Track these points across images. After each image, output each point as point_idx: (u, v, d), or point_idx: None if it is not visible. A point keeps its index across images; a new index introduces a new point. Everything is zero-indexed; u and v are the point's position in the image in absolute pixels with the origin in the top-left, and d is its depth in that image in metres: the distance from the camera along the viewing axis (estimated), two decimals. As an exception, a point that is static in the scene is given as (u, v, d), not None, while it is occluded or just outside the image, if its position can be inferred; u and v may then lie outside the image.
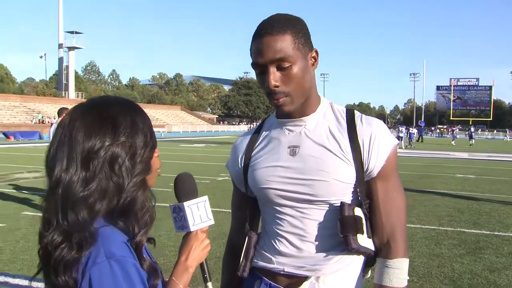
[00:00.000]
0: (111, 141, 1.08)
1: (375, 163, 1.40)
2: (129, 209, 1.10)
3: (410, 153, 26.59)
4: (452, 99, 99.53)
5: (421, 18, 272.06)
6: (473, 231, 6.95)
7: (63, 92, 76.13)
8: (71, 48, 77.42)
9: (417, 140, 40.94)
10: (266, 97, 1.45)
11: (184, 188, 1.32)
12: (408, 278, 1.42)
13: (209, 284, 1.32)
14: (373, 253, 1.44)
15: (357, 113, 1.49)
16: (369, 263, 1.49)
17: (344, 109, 1.52)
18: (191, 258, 1.25)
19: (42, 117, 51.87)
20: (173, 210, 1.31)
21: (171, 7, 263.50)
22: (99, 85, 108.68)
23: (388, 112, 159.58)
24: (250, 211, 1.60)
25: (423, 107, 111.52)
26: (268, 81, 1.35)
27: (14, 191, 10.10)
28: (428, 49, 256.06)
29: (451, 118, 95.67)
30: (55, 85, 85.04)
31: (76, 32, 78.65)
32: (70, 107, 1.20)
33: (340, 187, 1.39)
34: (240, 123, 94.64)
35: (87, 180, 1.04)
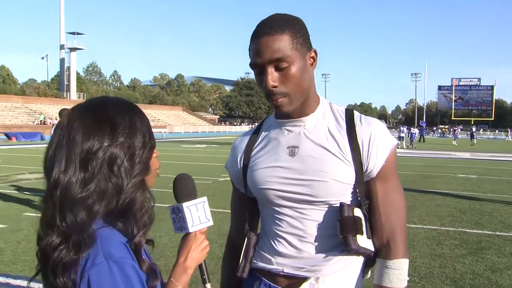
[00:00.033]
0: (110, 142, 1.07)
1: (374, 164, 1.40)
2: (128, 210, 1.09)
3: (411, 153, 26.57)
4: (453, 99, 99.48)
5: (422, 18, 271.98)
6: (475, 231, 6.94)
7: (65, 93, 76.23)
8: (72, 49, 77.53)
9: (419, 140, 40.88)
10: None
11: (183, 189, 1.32)
12: (408, 278, 1.41)
13: (208, 285, 1.32)
14: (373, 253, 1.43)
15: (356, 113, 1.49)
16: (368, 263, 1.48)
17: (344, 109, 1.51)
18: (190, 259, 1.25)
19: (44, 118, 51.94)
20: (172, 211, 1.30)
21: (173, 8, 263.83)
22: (100, 86, 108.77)
23: (389, 112, 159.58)
24: (250, 212, 1.60)
25: (425, 107, 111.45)
26: (266, 81, 1.35)
27: (16, 192, 10.11)
28: (430, 49, 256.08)
29: (452, 118, 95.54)
30: (56, 86, 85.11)
31: (78, 33, 78.80)
32: (71, 108, 1.20)
33: (340, 187, 1.39)
34: (242, 124, 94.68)
35: (86, 181, 1.04)
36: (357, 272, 1.44)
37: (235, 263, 1.56)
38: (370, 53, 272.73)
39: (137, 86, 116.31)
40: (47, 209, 1.05)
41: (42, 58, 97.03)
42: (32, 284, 1.18)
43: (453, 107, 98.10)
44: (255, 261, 1.53)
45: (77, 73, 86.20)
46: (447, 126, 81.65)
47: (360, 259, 1.44)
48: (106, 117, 1.10)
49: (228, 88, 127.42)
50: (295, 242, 1.43)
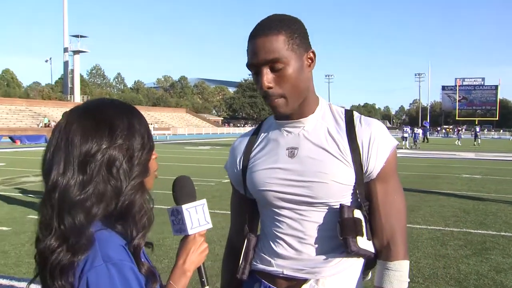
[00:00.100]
0: (108, 144, 1.07)
1: (374, 165, 1.39)
2: (127, 212, 1.09)
3: (415, 153, 26.50)
4: (457, 99, 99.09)
5: (425, 18, 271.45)
6: (479, 231, 6.91)
7: (69, 96, 76.42)
8: (76, 52, 77.69)
9: (423, 141, 40.79)
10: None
11: (183, 191, 1.31)
12: (408, 280, 1.41)
13: None
14: (373, 255, 1.43)
15: (356, 114, 1.48)
16: (369, 265, 1.47)
17: (343, 110, 1.50)
18: (188, 262, 1.24)
19: (48, 121, 52.07)
20: (171, 213, 1.30)
21: (176, 10, 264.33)
22: (104, 89, 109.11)
23: (393, 112, 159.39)
24: (249, 213, 1.59)
25: (429, 108, 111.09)
26: (261, 82, 1.34)
27: (20, 194, 10.14)
28: (433, 49, 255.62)
29: (456, 118, 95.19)
30: (60, 89, 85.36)
31: (81, 36, 78.98)
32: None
33: (339, 189, 1.38)
34: (245, 125, 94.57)
35: (84, 183, 1.04)
36: (357, 274, 1.43)
37: (235, 264, 1.55)
38: (374, 53, 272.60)
39: (141, 88, 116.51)
40: (45, 211, 1.04)
41: (46, 61, 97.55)
42: (32, 286, 1.17)
43: (457, 107, 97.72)
44: (254, 263, 1.52)
45: (81, 76, 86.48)
46: (451, 126, 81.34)
47: (360, 261, 1.44)
48: (105, 119, 1.10)
49: (231, 89, 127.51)
50: (295, 243, 1.42)
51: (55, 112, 56.43)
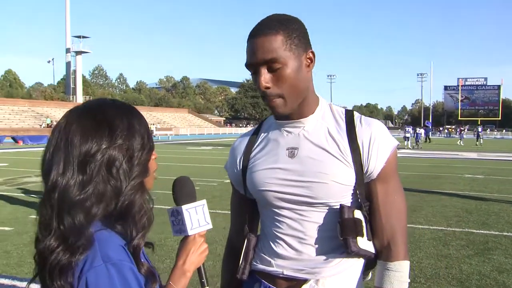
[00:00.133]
0: (108, 144, 1.07)
1: (374, 165, 1.39)
2: (127, 213, 1.09)
3: (417, 153, 26.47)
4: (460, 99, 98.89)
5: (428, 18, 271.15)
6: (482, 231, 6.89)
7: (71, 96, 76.48)
8: (78, 53, 77.73)
9: (425, 141, 40.72)
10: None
11: (183, 191, 1.31)
12: (409, 280, 1.40)
13: None
14: (373, 255, 1.42)
15: (356, 114, 1.48)
16: (369, 265, 1.47)
17: (343, 110, 1.50)
18: (188, 262, 1.24)
19: (51, 121, 52.12)
20: (171, 213, 1.30)
21: (178, 10, 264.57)
22: (106, 89, 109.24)
23: (395, 112, 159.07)
24: (249, 213, 1.59)
25: (431, 108, 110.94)
26: (259, 82, 1.34)
27: (23, 195, 10.16)
28: (436, 49, 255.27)
29: (459, 118, 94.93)
30: (63, 90, 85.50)
31: (83, 37, 79.02)
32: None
33: (339, 189, 1.38)
34: (247, 126, 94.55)
35: (84, 183, 1.04)
36: (358, 274, 1.43)
37: (235, 265, 1.55)
38: (376, 53, 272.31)
39: (143, 89, 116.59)
40: (44, 212, 1.04)
41: (48, 61, 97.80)
42: (32, 286, 1.17)
43: (459, 107, 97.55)
44: (254, 263, 1.52)
45: (83, 76, 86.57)
46: (453, 126, 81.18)
47: (361, 261, 1.43)
48: (104, 119, 1.10)
49: (233, 90, 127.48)
50: (295, 244, 1.42)
51: (57, 113, 56.51)
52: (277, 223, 1.46)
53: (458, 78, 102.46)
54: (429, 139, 43.57)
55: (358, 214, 1.37)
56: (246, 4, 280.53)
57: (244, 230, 1.58)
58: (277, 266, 1.45)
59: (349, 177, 1.38)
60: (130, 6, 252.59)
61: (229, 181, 1.66)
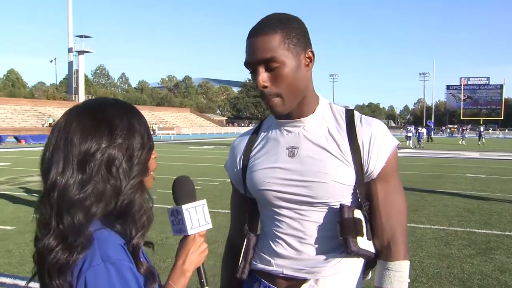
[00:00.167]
0: (108, 143, 1.07)
1: (375, 165, 1.38)
2: (126, 212, 1.09)
3: (419, 153, 26.45)
4: (462, 98, 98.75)
5: (430, 18, 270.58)
6: (484, 231, 6.88)
7: (73, 96, 76.54)
8: (80, 52, 77.82)
9: (427, 140, 40.68)
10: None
11: (183, 191, 1.31)
12: (409, 280, 1.40)
13: None
14: (373, 255, 1.42)
15: (356, 114, 1.47)
16: (369, 265, 1.47)
17: (344, 110, 1.50)
18: (188, 262, 1.24)
19: (53, 120, 52.18)
20: (171, 213, 1.30)
21: (180, 10, 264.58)
22: (108, 89, 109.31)
23: (398, 112, 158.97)
24: (249, 212, 1.59)
25: (433, 107, 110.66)
26: (257, 81, 1.34)
27: (25, 194, 10.18)
28: (438, 49, 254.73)
29: (461, 118, 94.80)
30: (65, 89, 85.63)
31: (86, 36, 79.11)
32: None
33: (339, 188, 1.38)
34: (249, 125, 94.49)
35: (84, 182, 1.04)
36: (357, 274, 1.43)
37: (234, 264, 1.55)
38: (378, 53, 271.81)
39: (145, 88, 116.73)
40: (44, 211, 1.04)
41: (51, 61, 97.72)
42: (31, 284, 1.17)
43: (461, 107, 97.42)
44: (254, 263, 1.52)
45: (85, 76, 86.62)
46: (455, 126, 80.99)
47: (361, 261, 1.43)
48: (104, 119, 1.09)
49: (235, 89, 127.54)
50: (295, 243, 1.42)
51: (59, 112, 56.52)
52: (277, 223, 1.45)
53: (461, 78, 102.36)
54: (431, 138, 43.54)
55: (358, 213, 1.37)
56: (248, 4, 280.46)
57: (244, 230, 1.57)
58: (276, 266, 1.45)
59: (349, 177, 1.38)
60: (132, 6, 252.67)
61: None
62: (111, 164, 1.07)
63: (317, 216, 1.40)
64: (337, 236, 1.37)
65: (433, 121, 71.00)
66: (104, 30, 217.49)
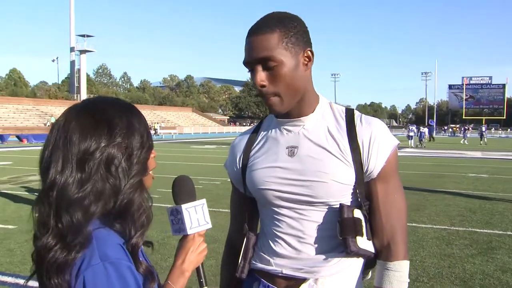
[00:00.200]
0: (107, 142, 1.07)
1: (375, 164, 1.38)
2: (125, 211, 1.09)
3: (421, 152, 26.40)
4: (464, 98, 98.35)
5: (432, 17, 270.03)
6: (485, 231, 6.86)
7: (75, 95, 76.58)
8: (82, 51, 77.90)
9: (429, 140, 40.60)
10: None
11: (182, 190, 1.31)
12: (408, 280, 1.39)
13: None
14: (373, 255, 1.41)
15: (356, 113, 1.47)
16: (369, 265, 1.46)
17: (344, 109, 1.49)
18: (187, 262, 1.23)
19: (55, 120, 52.30)
20: (171, 212, 1.29)
21: (182, 9, 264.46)
22: (110, 88, 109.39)
23: (399, 111, 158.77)
24: (249, 212, 1.58)
25: (435, 106, 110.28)
26: (254, 80, 1.34)
27: (27, 193, 10.19)
28: (440, 48, 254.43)
29: (463, 117, 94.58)
30: (67, 88, 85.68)
31: (88, 36, 79.20)
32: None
33: (339, 188, 1.37)
34: (251, 124, 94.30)
35: (83, 181, 1.04)
36: (357, 273, 1.42)
37: (234, 263, 1.54)
38: (380, 52, 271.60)
39: (147, 88, 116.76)
40: (42, 209, 1.04)
41: (53, 60, 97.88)
42: (30, 283, 1.17)
43: (464, 106, 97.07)
44: (254, 262, 1.52)
45: (87, 75, 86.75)
46: (457, 125, 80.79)
47: (360, 260, 1.43)
48: (104, 118, 1.09)
49: (237, 88, 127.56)
50: (294, 243, 1.42)
51: (61, 111, 55.83)
52: (276, 222, 1.45)
53: (463, 77, 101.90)
54: (433, 138, 43.45)
55: (357, 213, 1.37)
56: (250, 3, 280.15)
57: (244, 229, 1.57)
58: (276, 265, 1.44)
59: (349, 177, 1.37)
60: (135, 5, 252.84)
61: (232, 180, 1.65)
62: (110, 163, 1.07)
63: (317, 215, 1.40)
64: (336, 235, 1.36)
65: (435, 120, 70.77)
66: (106, 30, 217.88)
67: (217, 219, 6.97)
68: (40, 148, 1.11)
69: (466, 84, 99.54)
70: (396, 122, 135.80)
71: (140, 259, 1.10)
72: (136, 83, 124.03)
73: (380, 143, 1.38)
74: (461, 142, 40.25)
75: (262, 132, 1.54)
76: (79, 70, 77.84)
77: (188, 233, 1.25)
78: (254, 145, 1.53)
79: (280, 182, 1.41)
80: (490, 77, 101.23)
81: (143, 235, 1.11)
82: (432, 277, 4.78)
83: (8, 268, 5.03)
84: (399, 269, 1.38)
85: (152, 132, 51.10)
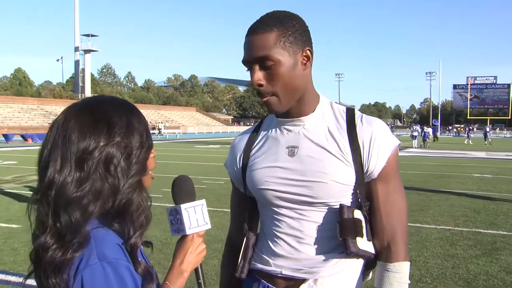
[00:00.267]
0: (106, 141, 1.06)
1: (375, 165, 1.37)
2: (124, 211, 1.08)
3: (425, 152, 26.33)
4: (469, 97, 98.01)
5: (436, 17, 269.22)
6: (490, 231, 6.83)
7: (80, 95, 76.64)
8: (87, 51, 78.19)
9: (433, 140, 40.50)
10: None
11: (182, 190, 1.30)
12: (409, 282, 1.38)
13: None
14: (373, 256, 1.40)
15: (357, 113, 1.46)
16: (369, 265, 1.45)
17: (344, 109, 1.48)
18: (186, 262, 1.22)
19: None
20: (170, 213, 1.29)
21: (186, 9, 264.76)
22: (115, 87, 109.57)
23: (404, 111, 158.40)
24: (249, 211, 1.58)
25: (440, 106, 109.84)
26: (252, 79, 1.33)
27: (31, 192, 10.19)
28: (445, 48, 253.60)
29: (468, 117, 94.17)
30: (71, 88, 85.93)
31: (92, 35, 79.46)
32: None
33: (339, 188, 1.36)
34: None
35: (81, 181, 1.03)
36: (357, 274, 1.41)
37: (234, 263, 1.54)
38: (384, 52, 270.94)
39: (151, 87, 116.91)
40: (41, 209, 1.04)
41: (57, 60, 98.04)
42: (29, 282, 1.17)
43: (468, 106, 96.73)
44: (253, 262, 1.51)
45: (92, 75, 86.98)
46: (462, 125, 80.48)
47: (360, 261, 1.42)
48: (103, 116, 1.08)
49: (241, 88, 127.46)
50: (294, 243, 1.41)
51: (66, 111, 56.74)
52: (276, 222, 1.44)
53: (468, 77, 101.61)
54: (436, 137, 43.34)
55: (358, 214, 1.36)
56: (253, 3, 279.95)
57: (244, 228, 1.56)
58: (275, 266, 1.43)
59: (349, 177, 1.36)
60: (139, 5, 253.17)
61: (235, 180, 1.64)
62: (109, 162, 1.06)
63: (317, 216, 1.39)
64: (336, 236, 1.36)
65: (439, 120, 70.57)
66: (111, 29, 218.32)
67: (221, 219, 6.98)
68: (42, 147, 1.10)
69: (470, 84, 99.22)
70: (401, 122, 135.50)
71: (139, 259, 1.09)
72: (140, 82, 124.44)
73: (380, 143, 1.38)
74: (465, 142, 40.10)
75: (262, 132, 1.54)
76: (83, 69, 78.13)
77: (187, 234, 1.25)
78: (254, 144, 1.52)
79: (280, 182, 1.41)
80: (495, 77, 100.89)
81: (142, 235, 1.11)
82: (435, 278, 4.76)
83: (12, 267, 5.05)
84: (399, 270, 1.37)
85: (156, 131, 51.23)
